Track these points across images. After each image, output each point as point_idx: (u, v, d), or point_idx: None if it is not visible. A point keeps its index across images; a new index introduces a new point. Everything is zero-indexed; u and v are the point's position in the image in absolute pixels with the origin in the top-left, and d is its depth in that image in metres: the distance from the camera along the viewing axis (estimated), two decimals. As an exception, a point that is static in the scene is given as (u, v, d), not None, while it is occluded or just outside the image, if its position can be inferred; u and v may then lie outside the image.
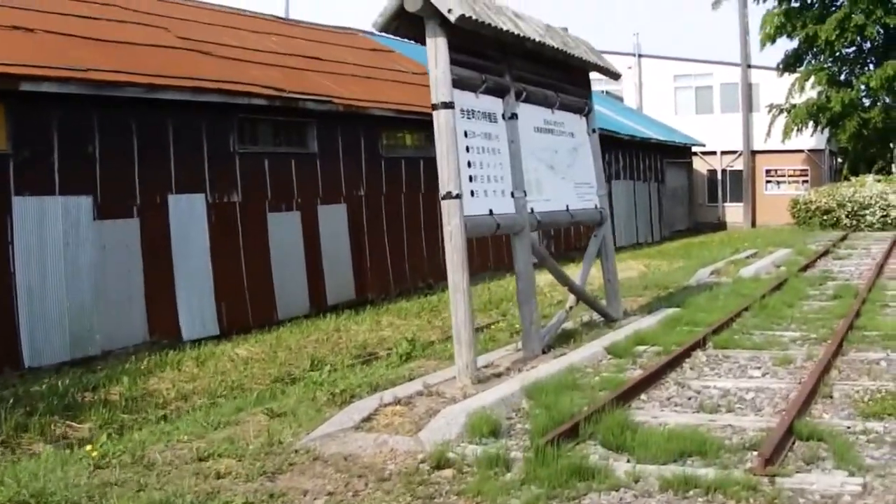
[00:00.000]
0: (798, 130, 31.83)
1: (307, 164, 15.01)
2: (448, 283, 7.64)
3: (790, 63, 32.79)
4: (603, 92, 39.57)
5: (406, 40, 8.83)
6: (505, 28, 8.14)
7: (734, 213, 38.28)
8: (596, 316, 10.81)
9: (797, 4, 32.01)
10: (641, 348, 8.98)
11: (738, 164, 37.94)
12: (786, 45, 44.47)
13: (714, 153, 38.27)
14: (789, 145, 33.79)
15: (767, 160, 37.75)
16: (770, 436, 5.53)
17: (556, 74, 9.99)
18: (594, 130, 10.83)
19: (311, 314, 14.44)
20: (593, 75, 11.48)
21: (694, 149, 37.12)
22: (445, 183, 7.50)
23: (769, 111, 33.31)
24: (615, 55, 40.51)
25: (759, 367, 8.06)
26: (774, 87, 34.18)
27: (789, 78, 33.00)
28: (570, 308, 10.15)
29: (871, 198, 29.08)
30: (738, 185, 38.02)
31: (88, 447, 6.06)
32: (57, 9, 13.51)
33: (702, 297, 12.76)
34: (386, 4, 7.61)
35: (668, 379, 7.60)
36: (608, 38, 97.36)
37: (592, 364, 8.24)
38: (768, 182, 38.32)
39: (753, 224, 37.29)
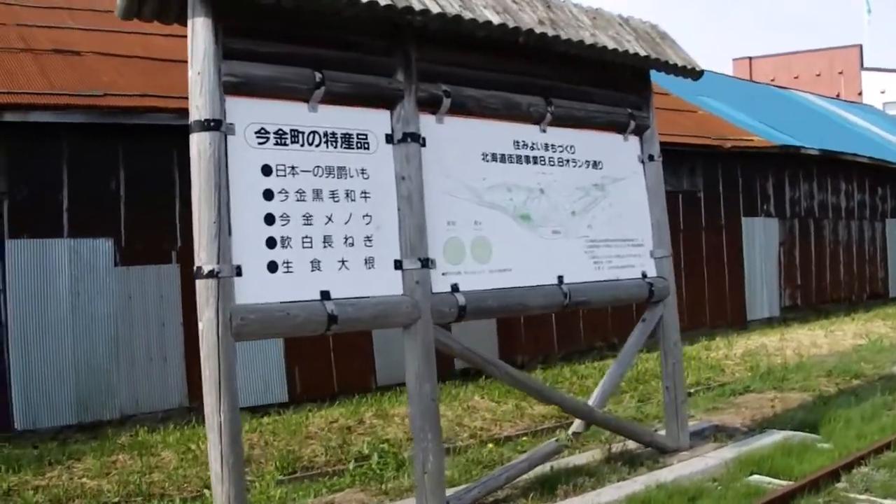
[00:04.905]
0: None
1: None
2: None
3: None
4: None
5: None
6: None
7: None
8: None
9: None
10: (629, 526, 5.34)
11: None
12: None
13: None
14: None
15: None
16: None
17: (546, 72, 6.52)
18: (651, 157, 6.99)
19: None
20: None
21: None
22: (198, 251, 4.73)
23: None
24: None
25: None
26: None
27: None
28: (576, 434, 6.50)
29: None
30: None
31: None
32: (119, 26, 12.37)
33: (866, 405, 8.91)
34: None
35: None
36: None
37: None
38: None
39: None
